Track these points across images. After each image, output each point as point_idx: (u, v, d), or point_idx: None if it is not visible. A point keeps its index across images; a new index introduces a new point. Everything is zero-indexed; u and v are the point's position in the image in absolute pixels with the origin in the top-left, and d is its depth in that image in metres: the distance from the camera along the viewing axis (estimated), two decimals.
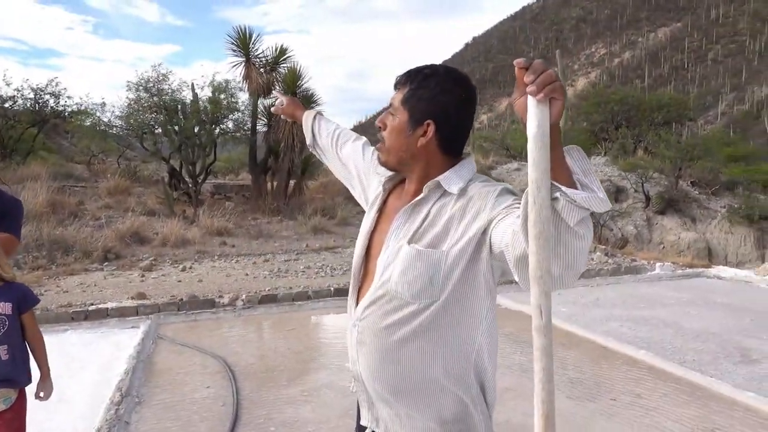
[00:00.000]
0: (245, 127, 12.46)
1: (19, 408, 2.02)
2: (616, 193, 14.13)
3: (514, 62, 0.96)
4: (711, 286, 6.70)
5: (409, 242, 1.20)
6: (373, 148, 1.58)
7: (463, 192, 1.21)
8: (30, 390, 2.08)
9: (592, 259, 8.04)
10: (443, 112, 1.21)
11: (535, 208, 0.92)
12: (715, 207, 14.30)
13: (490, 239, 1.13)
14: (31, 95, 13.83)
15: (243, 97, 12.53)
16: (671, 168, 14.11)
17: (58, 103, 14.25)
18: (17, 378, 2.00)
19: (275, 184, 12.52)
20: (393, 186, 1.40)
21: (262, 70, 12.31)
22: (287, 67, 12.49)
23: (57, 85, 14.15)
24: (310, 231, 10.34)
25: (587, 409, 3.28)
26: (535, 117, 0.91)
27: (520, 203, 1.13)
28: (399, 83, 1.27)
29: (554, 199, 0.94)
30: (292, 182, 12.70)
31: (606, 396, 3.44)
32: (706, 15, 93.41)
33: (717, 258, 12.83)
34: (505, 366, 3.79)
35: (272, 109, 1.91)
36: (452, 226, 1.18)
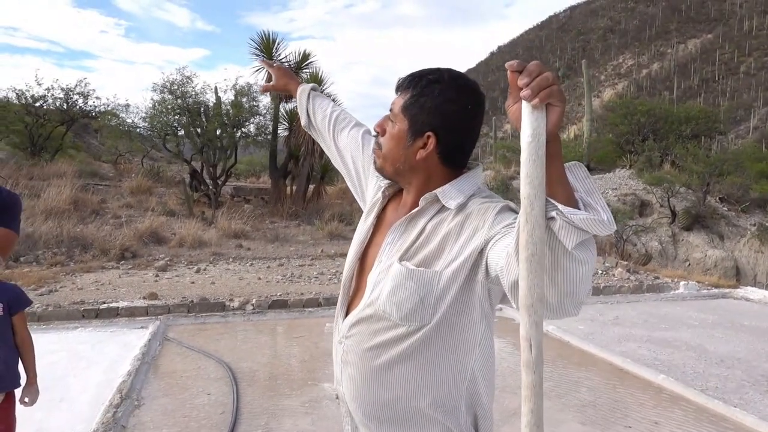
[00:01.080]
0: (266, 131, 12.53)
1: (6, 410, 1.98)
2: (641, 207, 13.76)
3: (506, 65, 0.86)
4: (738, 307, 6.41)
5: (401, 259, 1.10)
6: (372, 139, 1.47)
7: (461, 208, 1.10)
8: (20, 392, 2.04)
9: (614, 275, 7.80)
10: (446, 123, 1.10)
11: (527, 228, 0.81)
12: (745, 224, 13.84)
13: (486, 261, 1.03)
14: (61, 95, 14.18)
15: (265, 101, 12.63)
16: (699, 183, 13.70)
17: (87, 103, 14.57)
18: (6, 380, 1.95)
19: (294, 188, 12.54)
20: (393, 193, 1.30)
21: None
22: (309, 72, 12.55)
23: (86, 85, 14.48)
24: (326, 236, 10.30)
25: None
26: (529, 125, 0.81)
27: None
28: (401, 87, 1.16)
29: (550, 219, 0.83)
30: (311, 187, 12.72)
31: (620, 423, 3.27)
32: (738, 27, 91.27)
33: (745, 278, 12.38)
34: (517, 387, 3.64)
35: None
36: (447, 244, 1.07)
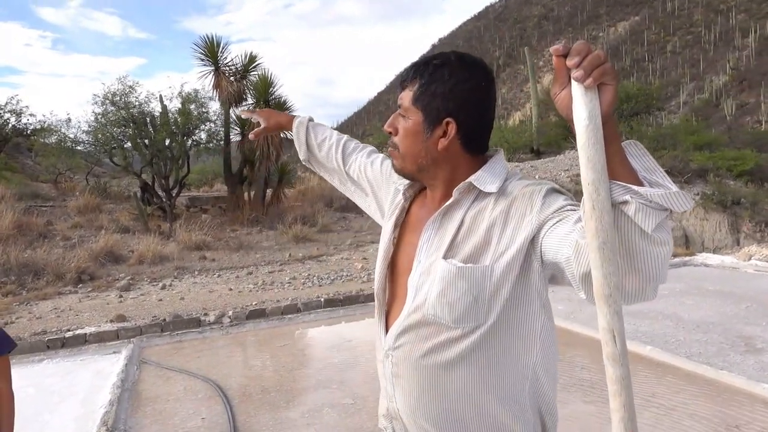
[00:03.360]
0: (218, 137, 12.15)
1: None
2: None
3: (551, 49, 0.81)
4: (701, 274, 6.72)
5: (445, 257, 1.02)
6: (382, 156, 1.41)
7: (501, 192, 1.03)
8: None
9: None
10: (463, 105, 1.03)
11: (595, 215, 0.76)
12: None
13: (541, 249, 0.97)
14: None
15: (214, 106, 12.24)
16: None
17: (20, 121, 13.69)
18: None
19: (252, 193, 12.24)
20: (415, 194, 1.23)
21: (232, 78, 12.03)
22: (258, 74, 12.25)
23: (18, 102, 13.60)
24: (291, 240, 10.10)
25: (604, 414, 3.17)
26: (584, 107, 0.76)
27: (573, 205, 0.97)
28: (405, 80, 1.08)
29: (623, 203, 0.79)
30: (269, 191, 12.44)
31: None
32: (662, 8, 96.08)
33: (695, 245, 13.04)
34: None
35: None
36: (494, 234, 1.00)
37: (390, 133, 1.13)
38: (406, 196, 1.21)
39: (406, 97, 1.08)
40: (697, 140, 18.79)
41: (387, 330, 1.15)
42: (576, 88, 0.77)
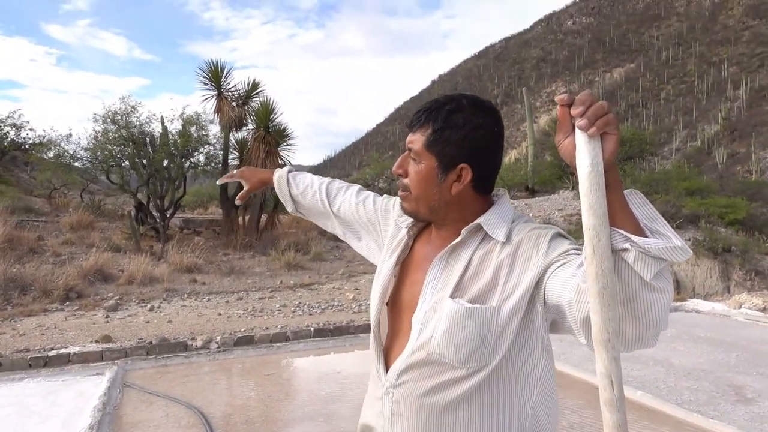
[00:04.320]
0: (216, 160, 12.20)
1: None
2: None
3: (556, 98, 0.85)
4: (692, 320, 6.73)
5: (452, 296, 1.04)
6: (371, 194, 1.42)
7: (508, 236, 1.06)
8: None
9: None
10: (478, 152, 1.06)
11: (595, 260, 0.78)
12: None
13: (544, 291, 0.99)
14: None
15: (214, 130, 12.33)
16: None
17: (19, 135, 13.73)
18: None
19: (247, 218, 12.22)
20: (419, 231, 1.24)
21: (234, 103, 12.18)
22: (259, 101, 12.41)
23: (20, 117, 13.66)
24: (283, 267, 10.05)
25: None
26: (587, 155, 0.79)
27: (577, 249, 0.99)
28: (416, 124, 1.10)
29: (623, 250, 0.81)
30: (264, 216, 12.43)
31: None
32: (657, 57, 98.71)
33: (685, 290, 13.07)
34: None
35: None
36: (501, 276, 1.02)
37: (400, 174, 1.14)
38: (410, 234, 1.22)
39: (417, 141, 1.09)
40: (689, 186, 19.08)
41: (386, 367, 1.15)
42: (579, 137, 0.80)
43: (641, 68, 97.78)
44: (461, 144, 1.05)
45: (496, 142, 1.09)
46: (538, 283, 1.00)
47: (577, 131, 0.81)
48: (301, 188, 1.50)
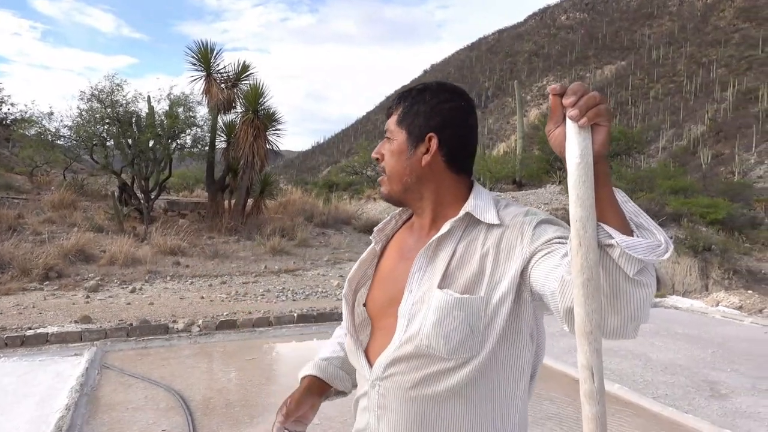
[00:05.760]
0: (204, 143, 12.04)
1: None
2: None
3: (549, 89, 0.84)
4: (671, 316, 6.83)
5: (440, 286, 1.02)
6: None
7: (499, 219, 1.04)
8: None
9: None
10: (444, 122, 1.07)
11: (581, 252, 0.77)
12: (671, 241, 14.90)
13: (529, 280, 0.98)
14: None
15: (202, 111, 12.16)
16: None
17: (0, 109, 13.41)
18: None
19: (233, 202, 12.12)
20: (392, 234, 1.22)
21: (223, 85, 12.01)
22: (249, 84, 12.25)
23: (1, 91, 13.33)
24: (268, 252, 10.00)
25: None
26: (577, 145, 0.78)
27: (561, 238, 0.98)
28: (391, 108, 1.14)
29: (608, 246, 0.80)
30: (250, 201, 12.34)
31: None
32: (648, 55, 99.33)
33: (665, 287, 13.29)
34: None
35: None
36: (487, 264, 1.01)
37: (377, 159, 1.15)
38: (377, 239, 1.20)
39: (391, 121, 1.13)
40: (674, 185, 19.33)
41: (369, 361, 1.13)
42: (570, 127, 0.79)
43: (632, 66, 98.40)
44: (429, 115, 1.07)
45: (464, 117, 1.09)
46: (523, 272, 0.99)
47: (568, 121, 0.80)
48: (343, 377, 1.27)
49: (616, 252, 0.79)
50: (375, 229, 1.22)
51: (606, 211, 0.80)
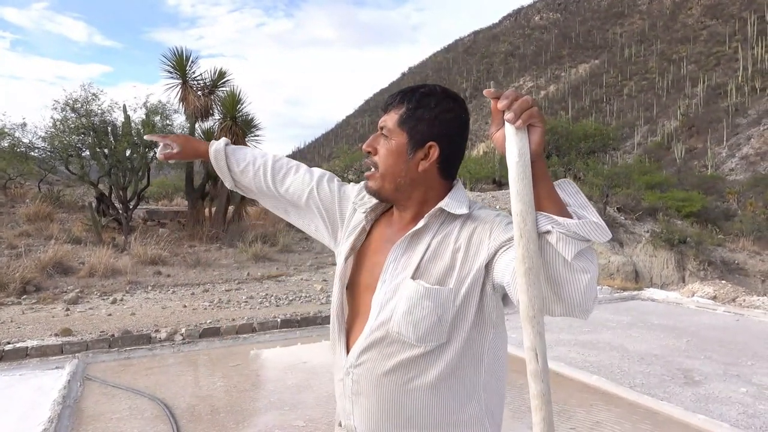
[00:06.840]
0: None
1: None
2: None
3: (485, 92, 0.93)
4: (647, 308, 7.00)
5: (413, 277, 1.08)
6: (328, 173, 1.39)
7: (466, 219, 1.11)
8: None
9: None
10: (446, 132, 1.12)
11: (522, 242, 0.86)
12: (640, 231, 15.21)
13: (492, 273, 1.05)
14: None
15: (179, 119, 12.09)
16: (600, 195, 14.92)
17: None
18: None
19: (213, 209, 12.05)
20: (377, 216, 1.27)
21: (200, 93, 11.96)
22: (226, 90, 12.21)
23: None
24: (251, 259, 9.97)
25: None
26: (515, 145, 0.86)
27: None
28: (392, 104, 1.15)
29: (547, 233, 0.88)
30: (231, 208, 12.28)
31: (565, 425, 3.43)
32: (620, 54, 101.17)
33: (643, 280, 13.56)
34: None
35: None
36: (458, 259, 1.07)
37: (369, 152, 1.17)
38: (369, 218, 1.24)
39: (390, 119, 1.14)
40: (649, 180, 19.75)
41: (347, 349, 1.18)
42: (508, 129, 0.88)
43: (605, 64, 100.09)
44: (432, 123, 1.11)
45: (462, 129, 1.15)
46: (487, 266, 1.06)
47: (506, 124, 0.88)
48: (241, 165, 1.40)
49: (554, 237, 0.87)
50: (368, 208, 1.23)
51: (544, 203, 0.89)
